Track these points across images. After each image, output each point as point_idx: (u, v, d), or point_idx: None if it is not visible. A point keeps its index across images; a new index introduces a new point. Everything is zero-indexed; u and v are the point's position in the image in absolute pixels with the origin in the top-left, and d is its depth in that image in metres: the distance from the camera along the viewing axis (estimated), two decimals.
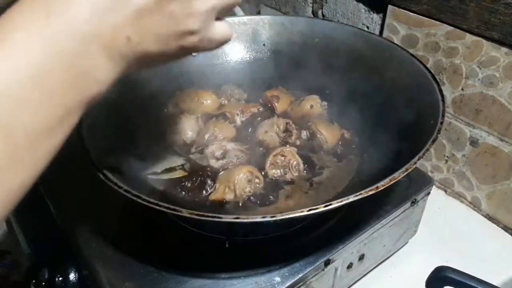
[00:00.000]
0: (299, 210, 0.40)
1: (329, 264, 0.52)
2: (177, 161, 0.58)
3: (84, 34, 0.26)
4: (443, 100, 0.52)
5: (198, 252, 0.53)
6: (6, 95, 0.24)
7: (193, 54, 0.61)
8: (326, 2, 0.90)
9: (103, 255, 0.52)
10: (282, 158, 0.55)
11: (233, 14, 1.00)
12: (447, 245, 0.70)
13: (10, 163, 0.25)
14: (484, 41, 0.64)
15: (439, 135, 0.48)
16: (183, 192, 0.55)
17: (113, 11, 0.27)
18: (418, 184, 0.61)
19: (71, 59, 0.26)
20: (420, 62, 0.57)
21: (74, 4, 0.26)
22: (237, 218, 0.40)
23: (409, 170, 0.44)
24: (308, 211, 0.40)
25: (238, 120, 0.64)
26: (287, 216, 0.40)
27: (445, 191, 0.80)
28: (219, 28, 0.34)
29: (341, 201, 0.41)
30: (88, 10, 0.26)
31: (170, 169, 0.57)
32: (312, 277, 0.52)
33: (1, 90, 0.24)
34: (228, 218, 0.40)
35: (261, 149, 0.60)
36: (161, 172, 0.56)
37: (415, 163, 0.45)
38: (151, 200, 0.41)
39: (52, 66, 0.26)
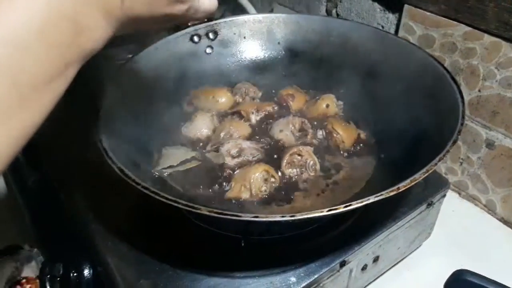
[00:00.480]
0: (319, 210, 0.40)
1: (345, 265, 0.52)
2: (190, 153, 0.59)
3: None
4: (462, 102, 0.52)
5: (213, 251, 0.53)
6: (16, 43, 0.27)
7: (207, 51, 0.60)
8: (340, 1, 0.90)
9: (118, 252, 0.52)
10: (299, 157, 0.55)
11: (246, 12, 0.99)
12: (461, 248, 0.70)
13: (18, 106, 0.28)
14: (503, 42, 0.63)
15: (459, 137, 0.47)
16: (199, 189, 0.55)
17: None
18: (435, 186, 0.60)
19: (72, 17, 0.29)
20: (439, 63, 0.57)
21: None
22: (257, 217, 0.39)
23: (430, 171, 0.43)
24: (328, 211, 0.40)
25: (253, 118, 0.64)
26: (306, 216, 0.39)
27: (459, 194, 0.79)
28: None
29: (362, 202, 0.40)
30: None
31: (185, 161, 0.57)
32: (327, 278, 0.51)
33: (11, 37, 0.27)
34: (247, 217, 0.39)
35: (276, 148, 0.59)
36: (177, 165, 0.56)
37: (436, 164, 0.44)
38: (170, 197, 0.41)
39: (57, 23, 0.29)
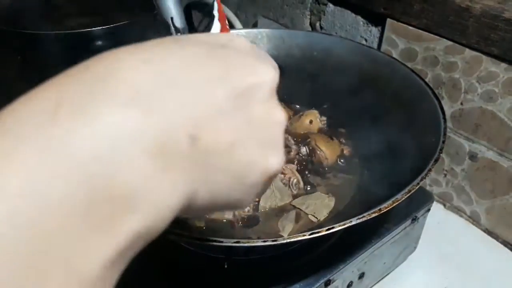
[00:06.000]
0: (301, 234, 0.39)
1: (330, 284, 0.51)
2: None
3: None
4: (444, 118, 0.52)
5: (195, 271, 0.52)
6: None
7: None
8: (324, 14, 0.90)
9: None
10: (282, 175, 0.55)
11: (231, 25, 0.99)
12: (446, 260, 0.70)
13: None
14: (483, 56, 0.64)
15: (441, 155, 0.48)
16: None
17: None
18: (419, 201, 0.60)
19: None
20: (421, 78, 0.57)
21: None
22: (238, 242, 0.39)
23: (412, 192, 0.43)
24: (310, 235, 0.39)
25: None
26: (289, 241, 0.39)
27: (444, 205, 0.79)
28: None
29: (344, 224, 0.40)
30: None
31: None
32: None
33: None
34: (229, 243, 0.39)
35: None
36: None
37: (418, 183, 0.44)
38: None
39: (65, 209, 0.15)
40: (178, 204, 0.18)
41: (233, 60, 0.21)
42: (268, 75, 0.22)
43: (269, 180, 0.22)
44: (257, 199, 0.53)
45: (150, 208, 0.17)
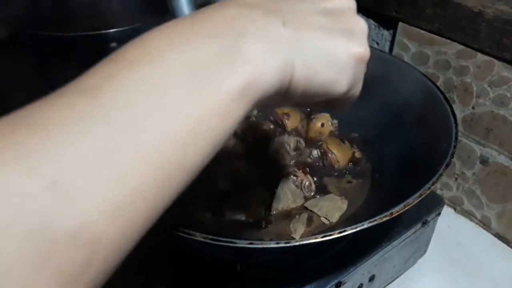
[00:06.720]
0: (313, 237, 0.40)
1: (340, 286, 0.52)
2: None
3: None
4: (455, 123, 0.52)
5: (206, 274, 0.52)
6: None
7: None
8: None
9: None
10: (294, 178, 0.55)
11: None
12: (456, 264, 0.70)
13: None
14: (495, 61, 0.64)
15: (452, 159, 0.48)
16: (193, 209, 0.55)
17: None
18: (429, 205, 0.60)
19: None
20: (433, 82, 0.57)
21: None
22: (251, 243, 0.40)
23: (423, 196, 0.44)
24: (322, 237, 0.40)
25: (249, 137, 0.64)
26: (301, 243, 0.40)
27: (454, 209, 0.79)
28: None
29: (356, 228, 0.40)
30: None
31: None
32: None
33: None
34: (242, 244, 0.39)
35: (271, 168, 0.59)
36: None
37: (430, 188, 0.44)
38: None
39: None
40: (279, 68, 0.25)
41: None
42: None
43: (357, 64, 0.28)
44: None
45: (257, 61, 0.24)
